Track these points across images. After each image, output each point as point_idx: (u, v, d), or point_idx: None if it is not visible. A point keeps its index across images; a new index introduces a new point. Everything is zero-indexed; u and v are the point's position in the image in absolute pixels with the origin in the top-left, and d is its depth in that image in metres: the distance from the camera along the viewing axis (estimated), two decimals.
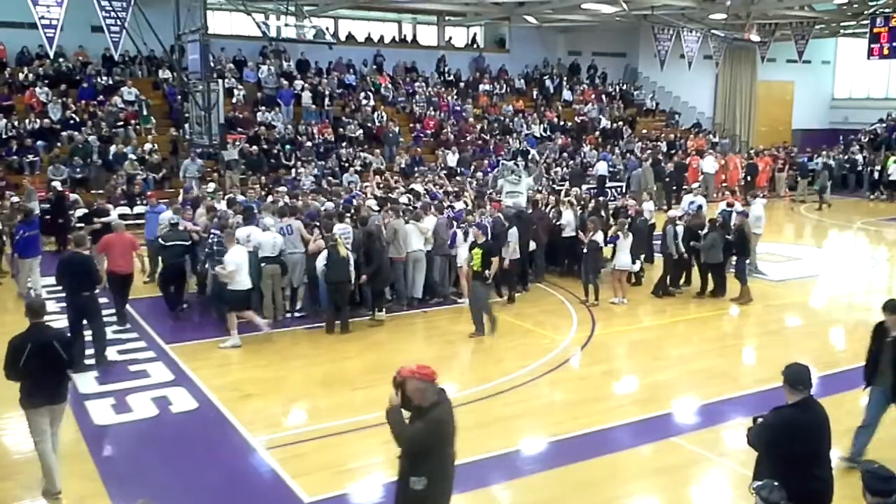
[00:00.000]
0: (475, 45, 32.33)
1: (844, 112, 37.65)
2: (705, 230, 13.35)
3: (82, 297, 9.52)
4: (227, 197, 15.30)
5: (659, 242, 14.22)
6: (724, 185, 25.71)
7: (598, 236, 12.83)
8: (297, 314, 12.14)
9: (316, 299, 12.10)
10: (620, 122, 30.20)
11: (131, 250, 11.48)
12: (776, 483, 4.26)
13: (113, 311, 11.35)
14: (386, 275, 11.97)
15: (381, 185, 18.17)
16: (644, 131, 30.11)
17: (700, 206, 15.11)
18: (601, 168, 24.68)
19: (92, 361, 9.66)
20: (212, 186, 17.88)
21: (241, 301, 10.67)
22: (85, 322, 9.73)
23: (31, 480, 6.72)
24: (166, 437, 7.93)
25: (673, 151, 28.15)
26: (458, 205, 14.56)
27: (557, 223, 14.49)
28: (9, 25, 22.16)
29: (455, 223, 12.95)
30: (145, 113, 22.79)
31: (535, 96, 30.80)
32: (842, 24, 30.19)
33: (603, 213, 14.84)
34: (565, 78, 32.23)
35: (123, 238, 11.44)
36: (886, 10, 25.61)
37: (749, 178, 25.66)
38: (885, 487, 4.14)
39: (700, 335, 11.79)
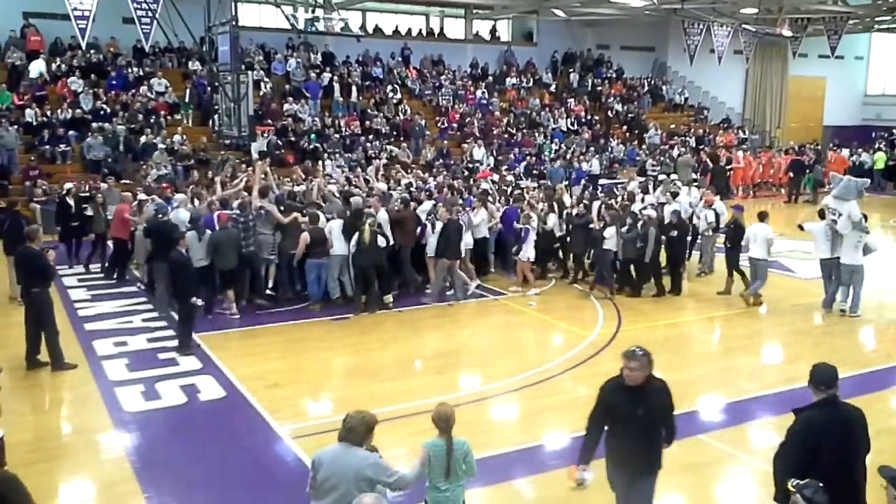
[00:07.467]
0: (507, 38, 32.21)
1: (877, 109, 37.00)
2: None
3: (31, 294, 9.23)
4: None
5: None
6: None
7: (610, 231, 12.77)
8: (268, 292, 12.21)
9: (293, 282, 12.40)
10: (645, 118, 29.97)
11: (124, 220, 13.23)
12: (821, 484, 4.04)
13: None
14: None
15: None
16: (672, 126, 29.83)
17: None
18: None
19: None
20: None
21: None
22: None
23: None
24: (194, 424, 8.04)
25: (701, 147, 27.87)
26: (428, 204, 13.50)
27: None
28: (42, 16, 22.56)
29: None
30: (186, 100, 23.01)
31: (561, 90, 30.66)
32: (876, 18, 29.67)
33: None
34: (592, 72, 32.02)
35: (120, 208, 13.47)
36: None
37: (793, 174, 25.46)
38: None
39: (727, 332, 11.66)
